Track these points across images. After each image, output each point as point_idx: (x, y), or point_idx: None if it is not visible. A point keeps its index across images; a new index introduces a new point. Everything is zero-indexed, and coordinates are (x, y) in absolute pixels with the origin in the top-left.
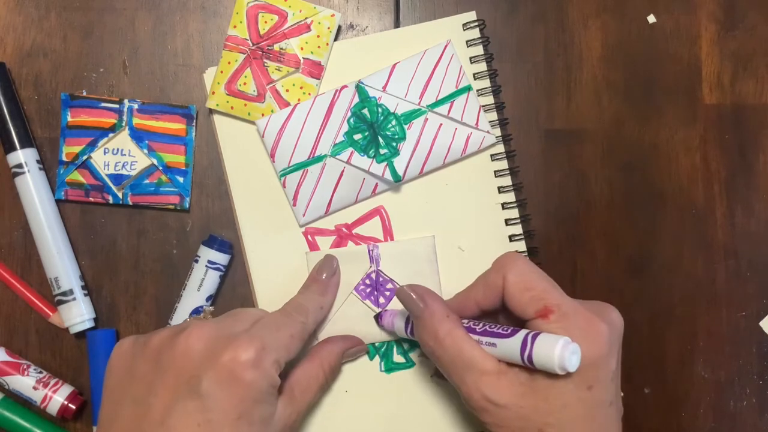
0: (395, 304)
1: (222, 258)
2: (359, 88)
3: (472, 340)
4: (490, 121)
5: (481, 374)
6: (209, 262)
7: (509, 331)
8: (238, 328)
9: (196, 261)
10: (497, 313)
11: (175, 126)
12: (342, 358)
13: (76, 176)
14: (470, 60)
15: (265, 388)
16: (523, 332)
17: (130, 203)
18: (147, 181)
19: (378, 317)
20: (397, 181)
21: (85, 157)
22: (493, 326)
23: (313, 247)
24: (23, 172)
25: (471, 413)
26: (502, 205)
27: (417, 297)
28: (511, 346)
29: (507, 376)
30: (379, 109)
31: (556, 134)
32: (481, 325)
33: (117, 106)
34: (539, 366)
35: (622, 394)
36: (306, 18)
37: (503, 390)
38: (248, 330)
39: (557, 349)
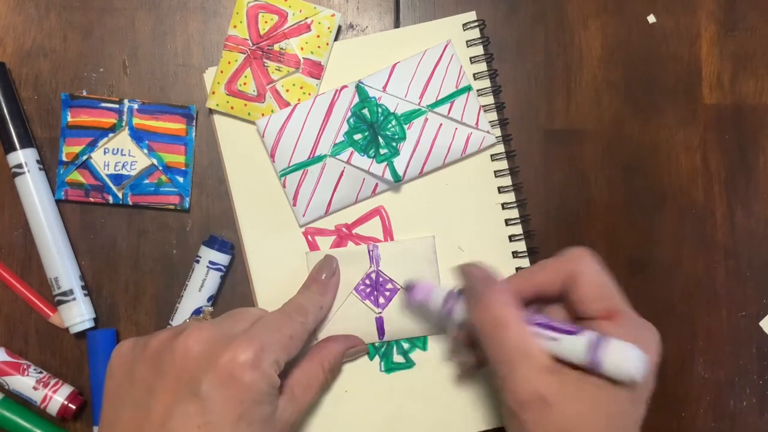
0: (395, 304)
1: (223, 258)
2: (359, 88)
3: (530, 331)
4: (490, 121)
5: (535, 368)
6: (210, 262)
7: (574, 328)
8: (236, 328)
9: (197, 261)
10: (547, 304)
11: (175, 126)
12: (343, 358)
13: (76, 176)
14: (470, 60)
15: (264, 388)
16: (590, 332)
17: (130, 203)
18: (147, 181)
19: (409, 289)
20: (397, 181)
21: (85, 157)
22: (552, 320)
23: (313, 247)
24: (23, 172)
25: (500, 410)
26: (502, 205)
27: (482, 276)
28: (576, 344)
29: (560, 375)
30: (379, 109)
31: (556, 134)
32: (540, 317)
33: (117, 106)
34: (605, 370)
35: None
36: (306, 18)
37: (555, 388)
38: (247, 331)
39: (632, 357)
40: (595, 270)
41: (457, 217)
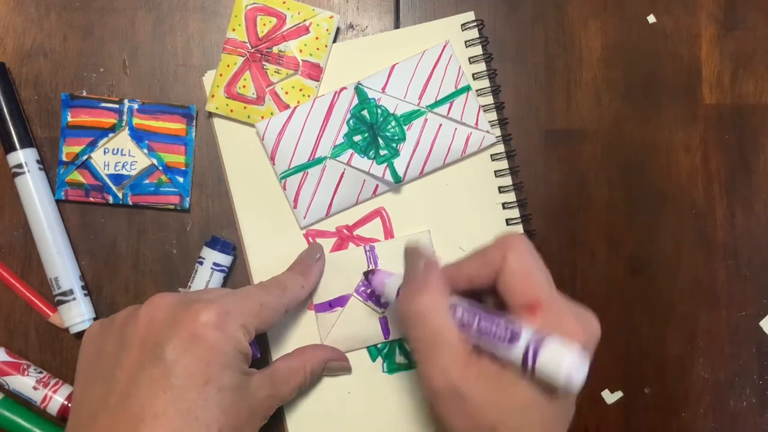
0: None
1: (226, 260)
2: (358, 90)
3: (452, 321)
4: (489, 121)
5: (452, 360)
6: (215, 264)
7: (509, 335)
8: (203, 296)
9: (201, 263)
10: (485, 293)
11: (175, 126)
12: (324, 365)
13: (76, 176)
14: (469, 60)
15: (231, 352)
16: (524, 339)
17: (130, 203)
18: (147, 181)
19: (369, 274)
20: (398, 182)
21: (85, 157)
22: (489, 321)
23: None
24: (23, 172)
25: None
26: (503, 205)
27: (423, 259)
28: (511, 354)
29: (477, 367)
30: (379, 111)
31: (556, 134)
32: (476, 319)
33: (117, 106)
34: (543, 378)
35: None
36: (304, 20)
37: (470, 381)
38: (212, 297)
39: (565, 366)
40: (519, 259)
41: (458, 217)
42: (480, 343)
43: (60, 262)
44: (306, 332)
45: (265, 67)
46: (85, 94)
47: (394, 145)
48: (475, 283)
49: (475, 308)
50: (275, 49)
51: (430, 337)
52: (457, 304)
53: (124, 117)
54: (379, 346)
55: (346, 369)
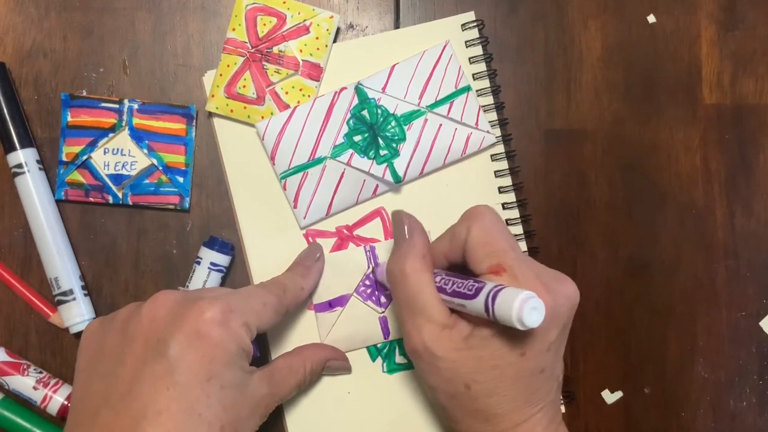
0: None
1: (224, 260)
2: (358, 90)
3: (433, 286)
4: (490, 121)
5: (428, 322)
6: (212, 264)
7: (473, 291)
8: (206, 294)
9: (198, 263)
10: (465, 266)
11: (175, 126)
12: (324, 364)
13: (76, 176)
14: (469, 60)
15: (234, 349)
16: (485, 291)
17: (130, 203)
18: (147, 181)
19: (374, 270)
20: (398, 182)
21: (85, 157)
22: (460, 284)
23: None
24: (23, 172)
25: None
26: (503, 205)
27: (408, 226)
28: (477, 307)
29: (451, 332)
30: (379, 111)
31: (556, 134)
32: (450, 284)
33: (117, 106)
34: (503, 323)
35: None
36: (305, 20)
37: (442, 343)
38: (215, 295)
39: (516, 303)
40: (482, 228)
41: (458, 217)
42: (454, 305)
43: (60, 262)
44: (306, 332)
45: (265, 67)
46: (85, 94)
47: (394, 145)
48: (450, 258)
49: (452, 275)
50: (275, 49)
51: (411, 297)
52: (437, 272)
53: (124, 117)
54: (379, 346)
55: (346, 368)
